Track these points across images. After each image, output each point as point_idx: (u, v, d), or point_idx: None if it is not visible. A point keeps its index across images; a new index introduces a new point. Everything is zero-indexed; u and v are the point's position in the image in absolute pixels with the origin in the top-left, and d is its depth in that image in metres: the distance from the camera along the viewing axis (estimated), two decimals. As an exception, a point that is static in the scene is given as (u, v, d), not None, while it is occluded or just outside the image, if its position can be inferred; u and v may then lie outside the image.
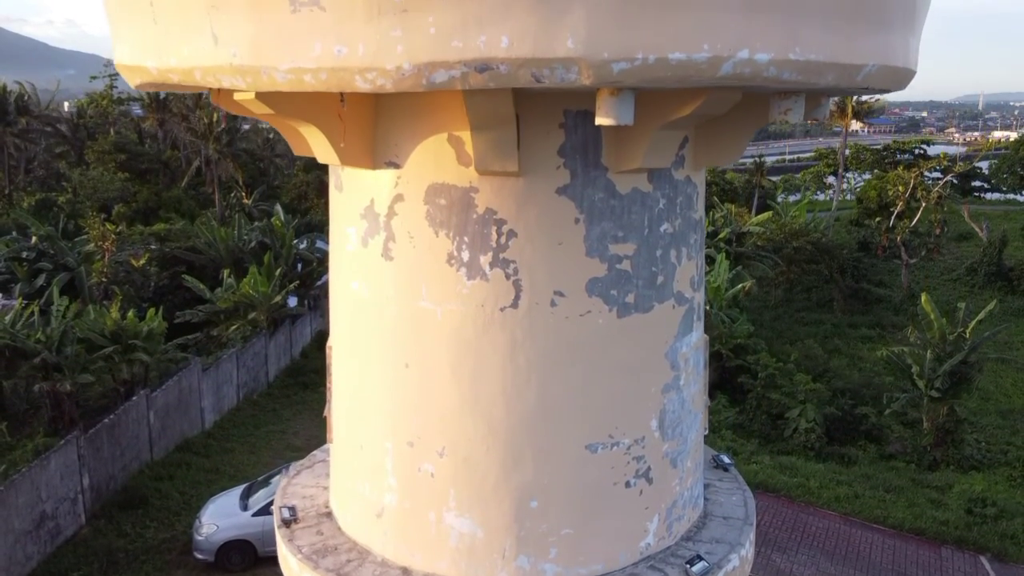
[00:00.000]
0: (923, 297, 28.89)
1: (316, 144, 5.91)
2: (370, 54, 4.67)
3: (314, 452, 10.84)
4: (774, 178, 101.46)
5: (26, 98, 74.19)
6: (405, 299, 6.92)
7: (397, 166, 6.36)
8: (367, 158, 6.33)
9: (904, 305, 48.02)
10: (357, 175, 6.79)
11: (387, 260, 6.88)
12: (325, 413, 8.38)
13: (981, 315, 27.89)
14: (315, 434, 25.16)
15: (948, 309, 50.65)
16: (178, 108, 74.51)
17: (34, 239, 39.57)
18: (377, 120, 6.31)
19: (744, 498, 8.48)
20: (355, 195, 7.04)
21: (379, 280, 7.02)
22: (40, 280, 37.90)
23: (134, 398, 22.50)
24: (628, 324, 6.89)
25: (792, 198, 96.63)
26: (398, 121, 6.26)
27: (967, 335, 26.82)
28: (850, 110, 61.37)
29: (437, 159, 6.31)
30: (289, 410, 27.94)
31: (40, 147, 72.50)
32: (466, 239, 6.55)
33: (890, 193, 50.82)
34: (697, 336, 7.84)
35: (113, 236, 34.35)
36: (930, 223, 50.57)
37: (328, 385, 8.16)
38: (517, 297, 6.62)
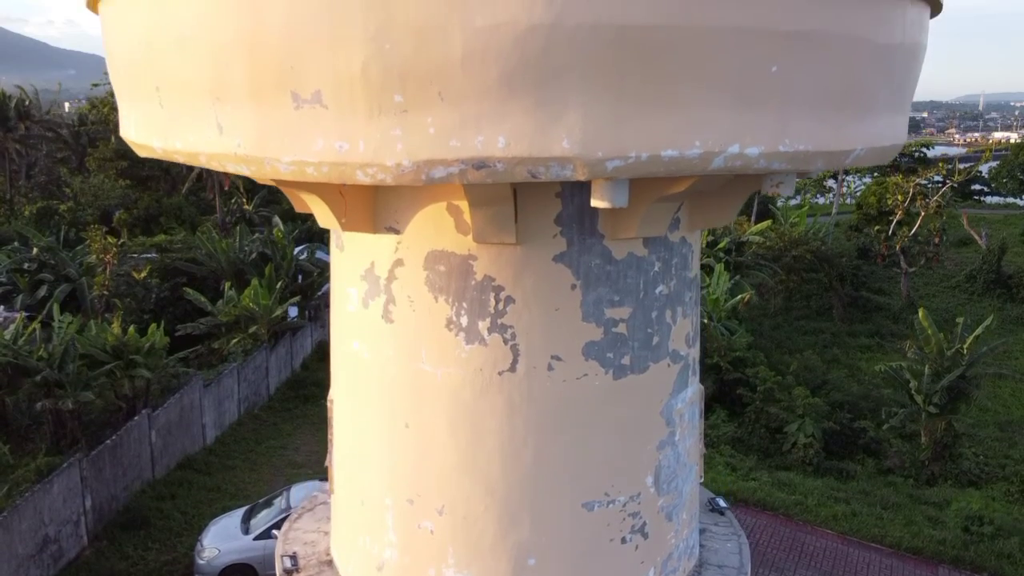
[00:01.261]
0: (920, 312, 29.01)
1: (318, 211, 6.06)
2: (371, 151, 4.81)
3: (315, 493, 10.98)
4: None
5: (27, 103, 74.30)
6: (405, 361, 7.07)
7: (397, 231, 6.50)
8: (368, 224, 6.47)
9: (903, 314, 48.13)
10: (358, 237, 6.92)
11: (387, 322, 7.03)
12: (327, 463, 8.52)
13: (979, 330, 28.01)
14: (315, 449, 25.30)
15: (948, 317, 50.88)
16: (179, 114, 74.50)
17: (35, 250, 39.72)
18: (377, 190, 6.45)
19: (739, 545, 8.61)
20: (356, 256, 7.19)
21: (379, 341, 7.18)
22: (42, 291, 38.04)
23: (136, 418, 22.64)
24: (624, 385, 7.04)
25: (793, 201, 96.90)
26: (398, 191, 6.41)
27: (964, 351, 26.93)
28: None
29: (436, 226, 6.47)
30: (290, 424, 28.08)
31: (41, 153, 72.62)
32: (465, 305, 6.70)
33: (889, 202, 50.94)
34: (692, 391, 8.00)
35: (115, 249, 34.47)
36: (929, 231, 50.71)
37: (329, 436, 8.32)
38: (515, 361, 6.77)
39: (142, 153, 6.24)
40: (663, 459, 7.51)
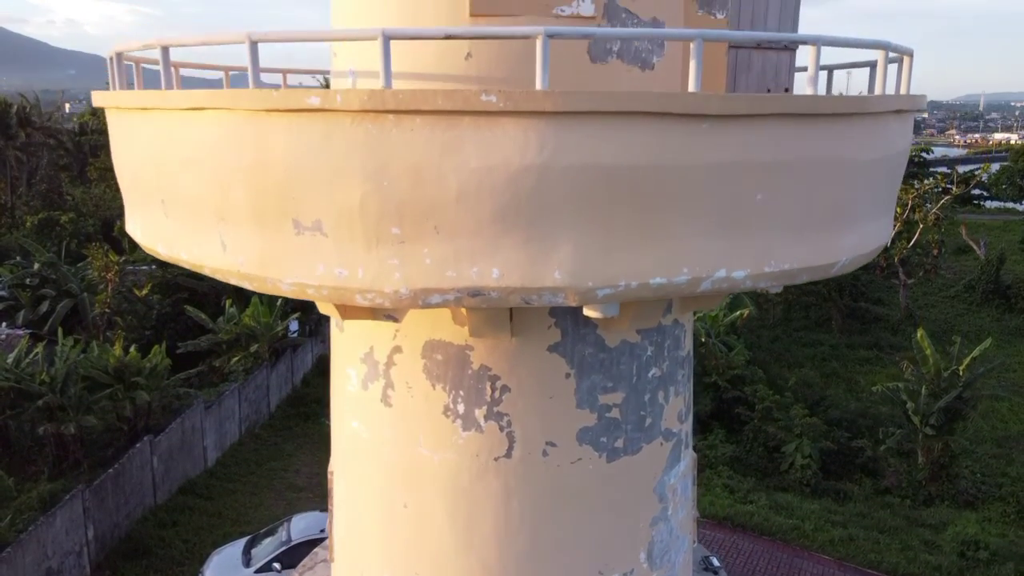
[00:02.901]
0: (919, 332, 29.17)
1: (320, 301, 6.24)
2: (369, 278, 4.98)
3: (316, 549, 11.15)
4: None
5: (28, 109, 74.45)
6: (403, 444, 7.25)
7: (396, 320, 6.67)
8: (367, 311, 6.64)
9: (902, 325, 48.27)
10: (357, 321, 7.10)
11: (386, 406, 7.22)
12: (327, 542, 8.71)
13: (975, 352, 28.16)
14: (316, 471, 25.46)
15: (946, 328, 51.04)
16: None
17: (37, 265, 39.89)
18: (376, 286, 6.56)
19: (732, 608, 8.78)
20: (355, 339, 7.37)
21: (378, 423, 7.37)
22: (44, 307, 38.24)
23: (138, 445, 22.81)
24: (617, 467, 7.23)
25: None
26: (396, 287, 6.51)
27: (961, 372, 27.09)
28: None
29: (434, 317, 6.66)
30: (291, 443, 28.25)
31: (43, 160, 72.74)
32: (462, 393, 6.89)
33: (887, 213, 51.04)
34: (685, 464, 8.19)
35: (116, 267, 34.63)
36: (928, 243, 50.85)
37: (329, 507, 8.51)
38: (510, 448, 6.96)
39: (147, 253, 6.42)
40: (656, 535, 7.71)
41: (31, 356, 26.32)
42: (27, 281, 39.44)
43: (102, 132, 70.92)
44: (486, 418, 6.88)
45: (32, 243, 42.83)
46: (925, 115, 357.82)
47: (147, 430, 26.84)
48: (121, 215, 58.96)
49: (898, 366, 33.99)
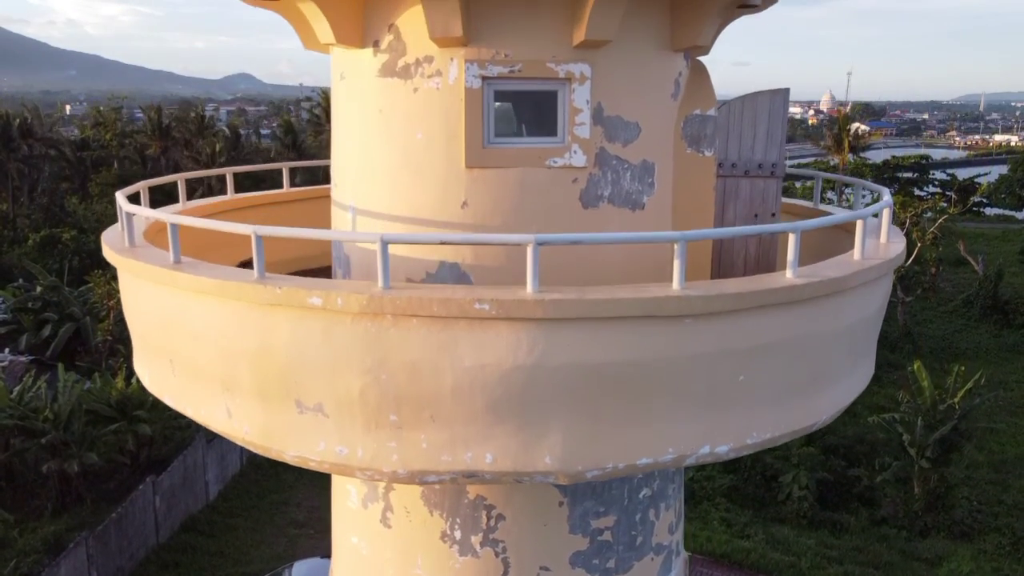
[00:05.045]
0: (916, 364, 29.36)
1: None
2: (368, 457, 5.23)
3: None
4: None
5: (29, 120, 74.63)
6: (401, 564, 7.50)
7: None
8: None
9: (900, 343, 48.39)
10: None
11: (385, 527, 7.47)
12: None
13: (970, 384, 28.38)
14: (316, 505, 25.64)
15: (944, 345, 51.21)
16: (180, 134, 75.10)
17: (39, 288, 40.10)
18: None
19: None
20: (356, 462, 7.57)
21: (378, 542, 7.61)
22: (46, 331, 38.45)
23: (140, 487, 23.05)
24: (609, 589, 7.47)
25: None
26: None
27: (957, 405, 27.31)
28: (846, 145, 61.89)
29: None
30: (291, 474, 28.38)
31: (44, 173, 72.93)
32: (458, 520, 7.13)
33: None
34: (676, 572, 8.42)
35: (118, 295, 34.77)
36: (926, 261, 50.97)
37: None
38: (505, 572, 7.22)
39: (155, 396, 6.66)
40: (648, 648, 7.93)
41: (35, 389, 26.53)
42: (29, 304, 39.65)
43: (104, 146, 71.17)
44: (482, 544, 7.13)
45: (35, 266, 43.01)
46: (925, 116, 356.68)
47: (149, 461, 27.04)
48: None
49: (896, 384, 34.11)
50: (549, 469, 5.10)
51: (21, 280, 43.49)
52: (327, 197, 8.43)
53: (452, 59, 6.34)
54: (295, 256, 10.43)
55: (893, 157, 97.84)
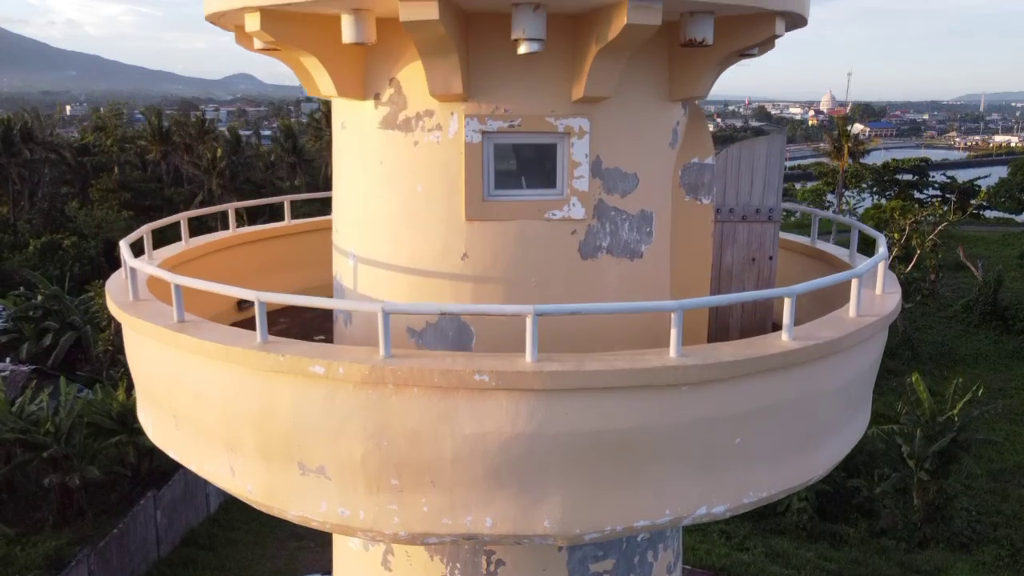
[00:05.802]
0: (914, 376, 29.43)
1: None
2: (370, 519, 5.30)
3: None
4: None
5: (30, 124, 74.74)
6: (403, 609, 7.54)
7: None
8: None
9: (900, 349, 48.44)
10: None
11: (387, 570, 7.53)
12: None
13: (968, 396, 28.45)
14: (318, 516, 25.62)
15: (944, 351, 51.27)
16: (180, 138, 75.18)
17: (40, 297, 40.20)
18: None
19: None
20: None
21: (380, 586, 7.65)
22: (47, 340, 38.58)
23: (142, 502, 23.13)
24: (608, 632, 7.52)
25: (793, 208, 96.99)
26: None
27: (956, 417, 27.39)
28: (846, 150, 62.01)
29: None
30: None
31: (45, 177, 73.02)
32: (459, 565, 7.20)
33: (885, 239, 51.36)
34: (673, 610, 8.46)
35: (119, 305, 34.82)
36: (926, 268, 51.03)
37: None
38: (505, 617, 7.26)
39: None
40: None
41: (37, 401, 26.61)
42: (30, 313, 39.76)
43: (105, 152, 71.22)
44: (482, 590, 7.20)
45: (36, 275, 43.11)
46: (925, 116, 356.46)
47: (150, 473, 27.12)
48: (123, 234, 59.49)
49: (895, 392, 34.12)
50: (548, 532, 5.17)
51: (22, 288, 43.55)
52: (329, 229, 8.51)
53: (452, 113, 6.41)
54: (300, 288, 10.53)
55: (893, 160, 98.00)
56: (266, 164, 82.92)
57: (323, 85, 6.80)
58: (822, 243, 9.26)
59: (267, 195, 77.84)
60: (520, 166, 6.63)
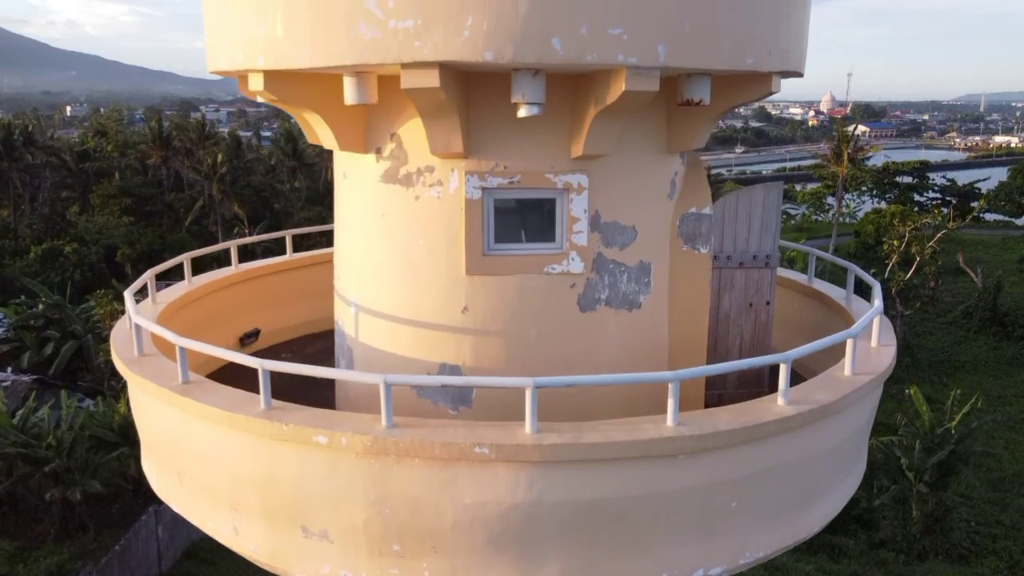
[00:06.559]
0: (912, 389, 29.51)
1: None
2: (373, 583, 5.38)
3: None
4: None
5: (31, 128, 74.82)
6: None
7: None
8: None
9: (899, 356, 48.38)
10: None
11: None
12: None
13: (966, 408, 28.54)
14: (319, 529, 25.69)
15: (943, 358, 51.33)
16: (181, 143, 75.19)
17: (41, 306, 40.24)
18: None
19: None
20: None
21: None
22: (48, 349, 38.60)
23: (143, 517, 23.20)
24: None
25: (794, 211, 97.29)
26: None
27: (954, 430, 27.47)
28: (846, 157, 62.04)
29: None
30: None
31: (46, 183, 73.11)
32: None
33: (885, 247, 51.45)
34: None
35: (121, 316, 34.92)
36: (925, 275, 51.11)
37: None
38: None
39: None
40: None
41: (38, 414, 26.65)
42: (31, 322, 39.80)
43: (106, 158, 71.32)
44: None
45: (36, 284, 43.17)
46: (926, 117, 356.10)
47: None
48: (124, 240, 59.15)
49: (894, 399, 34.25)
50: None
51: (23, 297, 43.61)
52: (330, 261, 8.60)
53: (453, 170, 6.49)
54: (303, 321, 10.61)
55: (893, 162, 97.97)
56: (266, 168, 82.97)
57: (325, 139, 6.88)
58: (819, 282, 9.34)
59: (267, 199, 77.97)
60: (520, 220, 6.71)
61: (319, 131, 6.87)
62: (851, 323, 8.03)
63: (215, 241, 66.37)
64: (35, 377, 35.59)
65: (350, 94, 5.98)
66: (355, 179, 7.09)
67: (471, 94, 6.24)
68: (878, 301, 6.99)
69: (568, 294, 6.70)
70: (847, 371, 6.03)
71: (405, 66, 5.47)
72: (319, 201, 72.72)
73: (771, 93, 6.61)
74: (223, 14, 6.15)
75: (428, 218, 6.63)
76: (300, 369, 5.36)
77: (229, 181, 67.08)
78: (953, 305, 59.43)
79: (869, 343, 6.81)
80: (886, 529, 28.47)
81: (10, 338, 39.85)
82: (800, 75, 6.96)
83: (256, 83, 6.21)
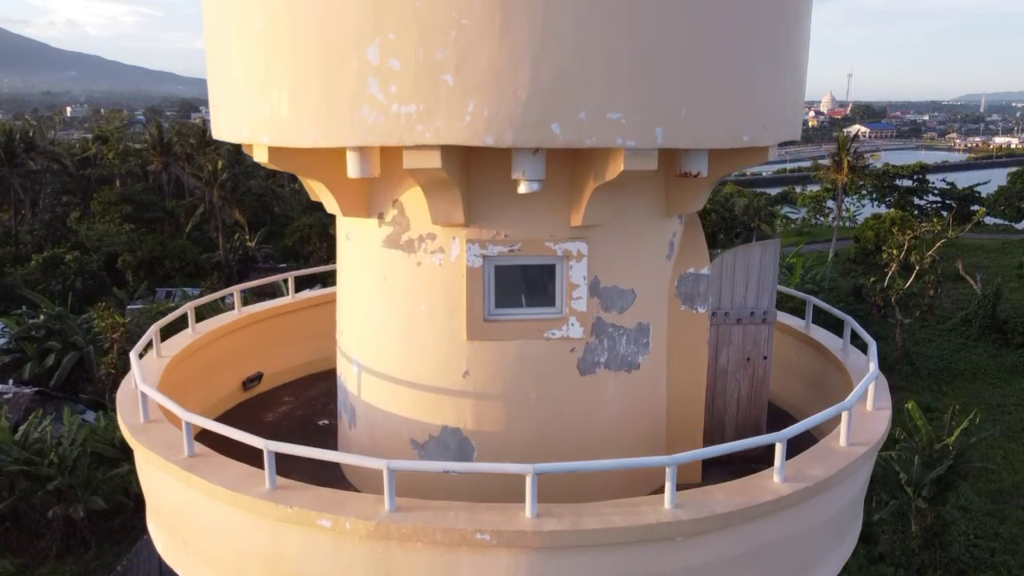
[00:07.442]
0: (911, 404, 29.61)
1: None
2: None
3: None
4: (772, 191, 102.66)
5: (31, 133, 74.94)
6: None
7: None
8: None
9: (899, 365, 48.58)
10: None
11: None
12: None
13: (964, 423, 28.64)
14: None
15: (943, 366, 51.43)
16: (181, 150, 75.31)
17: (42, 316, 40.35)
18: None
19: None
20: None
21: None
22: (49, 360, 38.71)
23: (145, 537, 23.30)
24: None
25: (794, 214, 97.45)
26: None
27: (951, 445, 27.57)
28: (846, 165, 62.16)
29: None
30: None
31: (47, 189, 73.22)
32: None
33: (884, 255, 51.51)
34: None
35: (122, 328, 35.13)
36: (924, 283, 51.19)
37: None
38: None
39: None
40: None
41: (40, 429, 26.78)
42: (32, 333, 39.90)
43: (107, 165, 71.42)
44: None
45: (37, 294, 43.28)
46: (926, 117, 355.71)
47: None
48: (125, 248, 59.21)
49: (893, 408, 34.24)
50: None
51: (24, 308, 43.72)
52: (332, 301, 8.70)
53: (454, 238, 6.59)
54: (305, 362, 10.72)
55: (892, 166, 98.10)
56: (267, 172, 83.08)
57: (328, 204, 6.99)
58: (816, 329, 9.43)
59: (268, 203, 78.06)
60: (520, 286, 6.81)
61: (323, 197, 6.97)
62: (847, 377, 8.12)
63: (216, 247, 66.52)
64: (37, 389, 35.72)
65: (353, 168, 6.08)
66: (358, 241, 7.19)
67: (472, 168, 6.34)
68: (873, 365, 7.08)
69: (568, 358, 6.80)
70: (842, 441, 6.12)
71: (407, 148, 5.57)
72: (319, 206, 72.89)
73: (768, 161, 6.72)
74: (229, 90, 6.25)
75: (430, 284, 6.73)
76: (305, 452, 5.44)
77: (230, 187, 67.20)
78: (953, 312, 59.49)
79: (865, 406, 6.90)
80: (885, 544, 28.56)
81: (11, 349, 39.95)
82: (796, 141, 7.06)
83: (261, 156, 6.32)
